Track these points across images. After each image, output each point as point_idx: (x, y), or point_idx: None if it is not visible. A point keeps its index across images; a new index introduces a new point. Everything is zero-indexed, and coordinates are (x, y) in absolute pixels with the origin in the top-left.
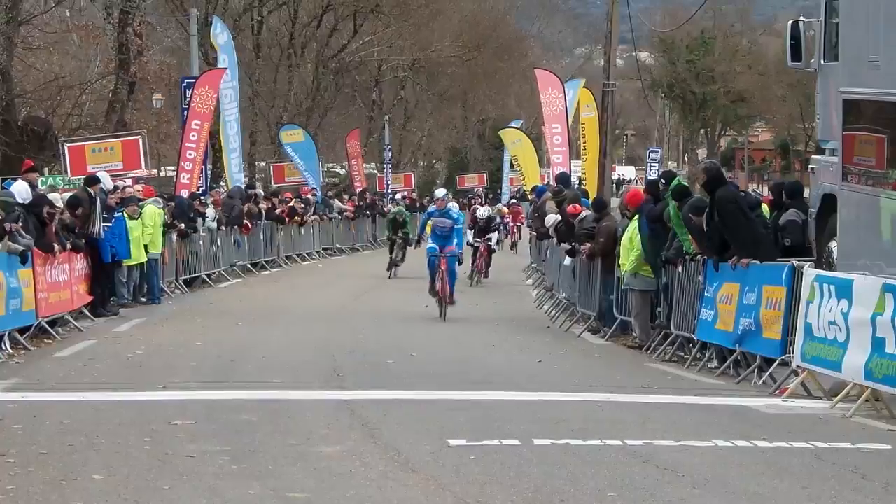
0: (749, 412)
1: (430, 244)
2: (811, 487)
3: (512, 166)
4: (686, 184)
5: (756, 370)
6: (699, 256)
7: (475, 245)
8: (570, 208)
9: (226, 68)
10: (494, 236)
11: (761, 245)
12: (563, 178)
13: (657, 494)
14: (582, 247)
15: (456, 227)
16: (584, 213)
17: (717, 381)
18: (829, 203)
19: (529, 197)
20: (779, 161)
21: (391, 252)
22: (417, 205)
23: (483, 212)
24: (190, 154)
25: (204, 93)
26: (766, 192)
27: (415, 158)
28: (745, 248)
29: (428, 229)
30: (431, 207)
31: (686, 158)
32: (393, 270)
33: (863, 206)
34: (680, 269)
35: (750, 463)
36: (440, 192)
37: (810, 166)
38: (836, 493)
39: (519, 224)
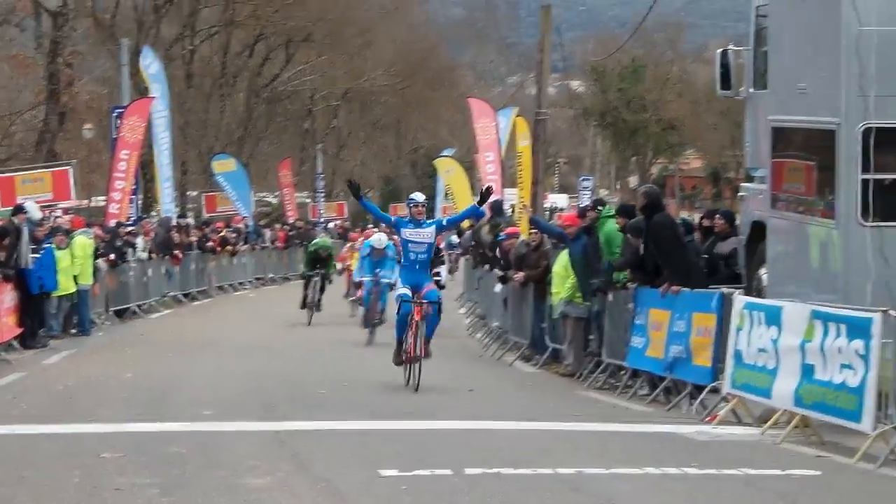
0: (680, 439)
1: (401, 287)
2: None
3: (446, 195)
4: (626, 203)
5: (687, 397)
6: (630, 284)
7: None
8: (507, 230)
9: (154, 97)
10: (444, 270)
11: (693, 272)
12: (497, 206)
13: None
14: (516, 275)
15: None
16: (520, 240)
17: (648, 409)
18: (758, 230)
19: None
20: (710, 188)
21: (306, 289)
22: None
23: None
24: (119, 184)
25: (133, 122)
26: (697, 219)
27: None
28: (678, 274)
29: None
30: (403, 219)
31: (618, 186)
32: (311, 315)
33: (792, 234)
34: (610, 297)
35: (680, 490)
36: (419, 196)
37: (740, 194)
38: None
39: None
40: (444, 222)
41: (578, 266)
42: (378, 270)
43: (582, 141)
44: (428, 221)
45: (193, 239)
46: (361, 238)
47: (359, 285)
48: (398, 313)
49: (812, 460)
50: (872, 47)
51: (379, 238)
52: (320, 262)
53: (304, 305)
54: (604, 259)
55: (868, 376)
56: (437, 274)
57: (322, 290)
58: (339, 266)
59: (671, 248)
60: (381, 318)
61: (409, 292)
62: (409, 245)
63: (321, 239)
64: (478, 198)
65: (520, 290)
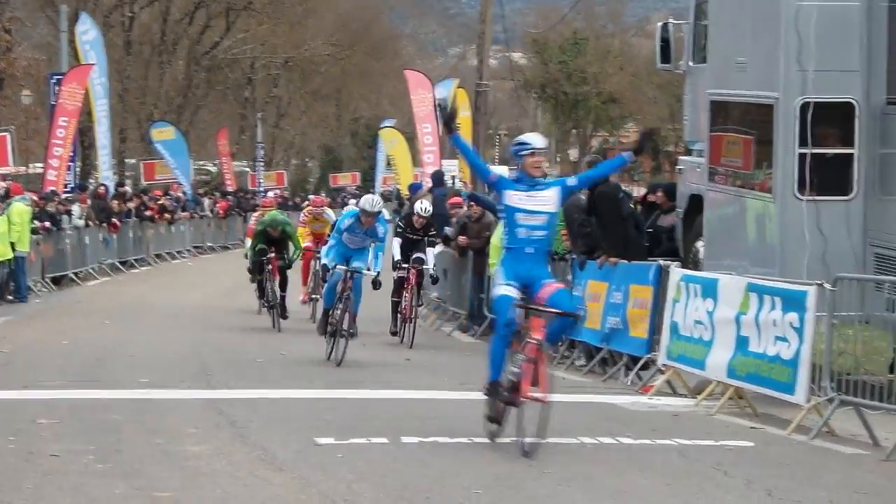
0: (615, 410)
1: (502, 282)
2: (674, 484)
3: (388, 165)
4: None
5: (623, 368)
6: (568, 256)
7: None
8: (451, 200)
9: (93, 64)
10: (430, 256)
11: (631, 245)
12: (437, 177)
13: (523, 491)
14: (459, 238)
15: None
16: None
17: (585, 379)
18: (695, 203)
19: (405, 195)
20: (649, 161)
21: (257, 280)
22: (290, 203)
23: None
24: (57, 151)
25: (72, 89)
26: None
27: (287, 157)
28: (615, 246)
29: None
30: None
31: (558, 158)
32: (276, 319)
33: (729, 207)
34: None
35: (615, 460)
36: (536, 139)
37: (678, 167)
38: (699, 489)
39: None
40: (576, 181)
41: None
42: (350, 257)
43: (523, 113)
44: (548, 181)
45: (133, 207)
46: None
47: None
48: (327, 282)
49: (746, 431)
50: (811, 22)
51: (371, 199)
52: (274, 244)
53: (267, 305)
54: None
55: (802, 349)
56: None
57: (282, 285)
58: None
59: (612, 219)
60: (351, 328)
61: (514, 292)
62: (517, 217)
63: (274, 213)
64: (418, 169)
65: (459, 261)
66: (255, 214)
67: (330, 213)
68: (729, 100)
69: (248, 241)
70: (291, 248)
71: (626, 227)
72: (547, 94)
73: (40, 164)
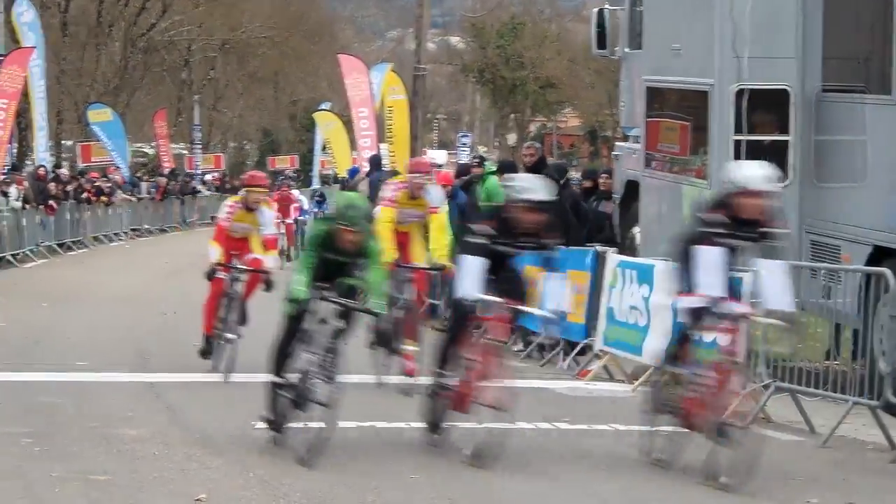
0: (552, 395)
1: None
2: (611, 469)
3: (324, 149)
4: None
5: (560, 353)
6: None
7: None
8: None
9: (34, 47)
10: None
11: (571, 231)
12: (375, 161)
13: (460, 476)
14: None
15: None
16: None
17: (522, 364)
18: (632, 189)
19: (342, 177)
20: (587, 146)
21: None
22: (228, 186)
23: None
24: None
25: (12, 72)
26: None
27: (225, 139)
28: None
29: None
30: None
31: (497, 143)
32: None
33: (665, 193)
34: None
35: (551, 444)
36: None
37: (614, 153)
38: (635, 475)
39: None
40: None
41: (454, 225)
42: None
43: (461, 97)
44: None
45: (70, 190)
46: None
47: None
48: None
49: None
50: (746, 9)
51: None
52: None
53: None
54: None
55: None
56: None
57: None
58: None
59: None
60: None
61: None
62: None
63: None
64: (356, 153)
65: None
66: (231, 204)
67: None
68: (664, 86)
69: (214, 248)
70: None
71: (566, 212)
72: (485, 78)
73: None
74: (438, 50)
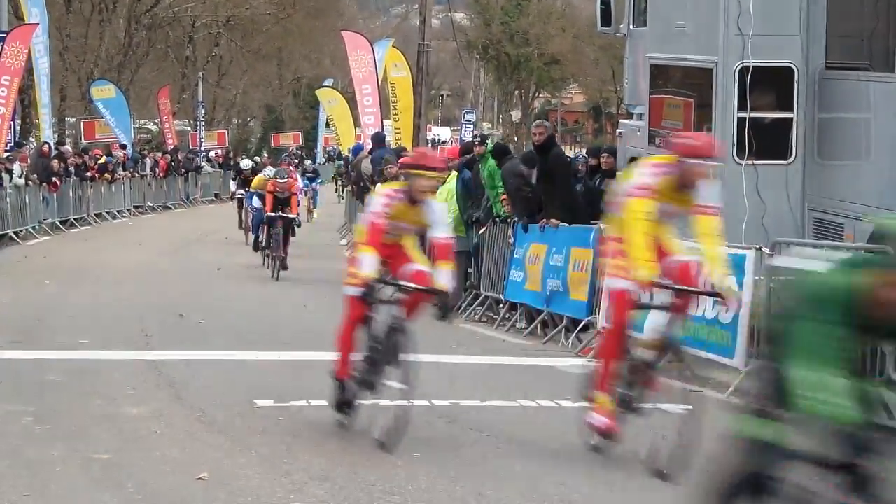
0: (554, 372)
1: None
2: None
3: (328, 125)
4: (500, 142)
5: (563, 331)
6: (510, 218)
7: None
8: (402, 160)
9: (37, 23)
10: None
11: (577, 211)
12: (378, 138)
13: (462, 454)
14: None
15: None
16: None
17: (525, 342)
18: None
19: (346, 155)
20: (591, 123)
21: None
22: (232, 163)
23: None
24: None
25: (15, 48)
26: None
27: (229, 116)
28: (563, 210)
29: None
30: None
31: (500, 119)
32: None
33: None
34: (483, 229)
35: (554, 422)
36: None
37: (618, 130)
38: (637, 452)
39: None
40: None
41: (459, 199)
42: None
43: (465, 74)
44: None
45: (72, 167)
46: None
47: None
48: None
49: (683, 395)
50: None
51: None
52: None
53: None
54: (487, 193)
55: (740, 312)
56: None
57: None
58: None
59: (563, 183)
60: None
61: None
62: None
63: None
64: (359, 129)
65: None
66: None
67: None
68: (669, 63)
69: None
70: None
71: (574, 192)
72: (489, 55)
73: None
74: (442, 26)
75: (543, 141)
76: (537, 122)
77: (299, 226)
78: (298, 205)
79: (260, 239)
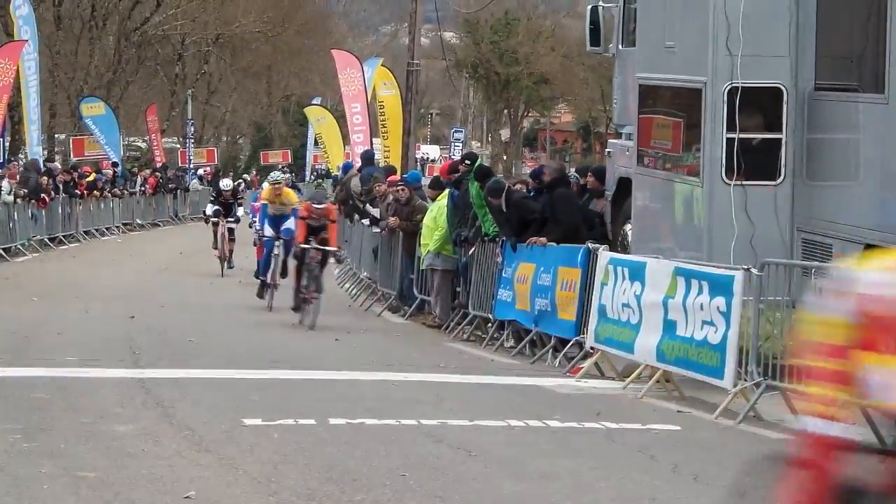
0: (543, 392)
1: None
2: (601, 467)
3: (316, 143)
4: (483, 165)
5: (551, 350)
6: (498, 237)
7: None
8: (389, 178)
9: (26, 40)
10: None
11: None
12: (368, 156)
13: (449, 473)
14: (390, 218)
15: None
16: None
17: (513, 361)
18: (624, 186)
19: (335, 173)
20: (580, 143)
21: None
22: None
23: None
24: None
25: (3, 65)
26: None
27: (218, 133)
28: (564, 236)
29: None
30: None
31: (490, 138)
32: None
33: (657, 190)
34: (472, 249)
35: (542, 442)
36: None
37: (607, 150)
38: (625, 473)
39: None
40: None
41: (449, 217)
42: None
43: (454, 92)
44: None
45: (60, 183)
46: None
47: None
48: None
49: (673, 415)
50: (740, 7)
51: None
52: None
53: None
54: (477, 211)
55: (729, 333)
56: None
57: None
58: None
59: (569, 221)
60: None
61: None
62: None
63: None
64: (348, 148)
65: (389, 241)
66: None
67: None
68: (658, 83)
69: None
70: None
71: (580, 227)
72: (479, 73)
73: None
74: (432, 45)
75: (550, 181)
76: (548, 164)
77: (341, 261)
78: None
79: (268, 277)
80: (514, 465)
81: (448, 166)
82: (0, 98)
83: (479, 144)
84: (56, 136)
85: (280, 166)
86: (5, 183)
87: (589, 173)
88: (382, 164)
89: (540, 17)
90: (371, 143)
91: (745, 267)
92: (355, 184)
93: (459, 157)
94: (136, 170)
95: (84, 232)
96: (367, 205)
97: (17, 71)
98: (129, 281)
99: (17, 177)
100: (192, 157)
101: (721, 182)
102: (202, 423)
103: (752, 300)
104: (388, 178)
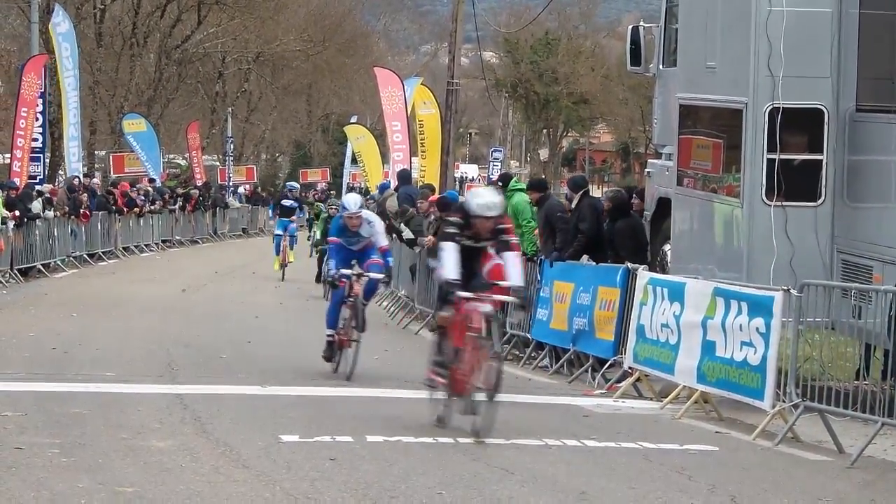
0: (580, 411)
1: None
2: (638, 487)
3: (355, 162)
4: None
5: (589, 370)
6: (536, 256)
7: None
8: (430, 198)
9: (44, 54)
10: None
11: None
12: (405, 176)
13: (486, 492)
14: (426, 238)
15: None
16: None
17: (550, 380)
18: (663, 206)
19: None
20: (619, 163)
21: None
22: (264, 196)
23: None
24: (20, 142)
25: (28, 80)
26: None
27: (257, 151)
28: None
29: None
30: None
31: (528, 158)
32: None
33: (696, 211)
34: None
35: (579, 462)
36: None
37: (647, 170)
38: (663, 493)
39: None
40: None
41: None
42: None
43: (494, 112)
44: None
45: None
46: None
47: None
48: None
49: (711, 436)
50: (782, 27)
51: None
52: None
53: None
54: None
55: (768, 354)
56: None
57: None
58: None
59: (627, 253)
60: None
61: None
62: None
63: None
64: (388, 166)
65: (427, 259)
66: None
67: None
68: (698, 103)
69: None
70: None
71: (644, 256)
72: (518, 93)
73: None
74: (471, 64)
75: (609, 210)
76: (608, 193)
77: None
78: None
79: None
80: (551, 484)
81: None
82: (29, 112)
83: (517, 164)
84: (96, 152)
85: (318, 184)
86: (37, 202)
87: (633, 196)
88: (419, 183)
89: (580, 37)
90: (410, 162)
91: (785, 288)
92: (391, 204)
93: (496, 178)
94: (179, 189)
95: (123, 248)
96: (403, 224)
97: (58, 86)
98: (167, 297)
99: (59, 193)
100: (231, 175)
101: (761, 203)
102: (240, 439)
103: (792, 321)
104: (429, 199)
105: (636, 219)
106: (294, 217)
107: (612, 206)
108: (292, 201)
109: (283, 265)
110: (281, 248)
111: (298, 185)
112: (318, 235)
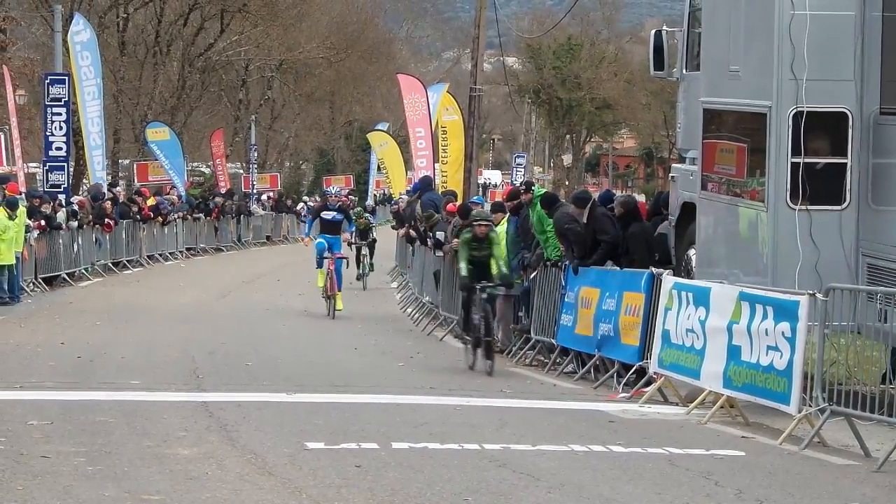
0: (605, 417)
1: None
2: (665, 492)
3: (378, 168)
4: (548, 191)
5: (614, 375)
6: (561, 262)
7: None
8: (449, 207)
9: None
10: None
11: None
12: (426, 182)
13: (512, 498)
14: (452, 242)
15: None
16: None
17: (576, 386)
18: (688, 211)
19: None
20: (643, 168)
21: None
22: (289, 203)
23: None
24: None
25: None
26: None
27: (281, 159)
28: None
29: None
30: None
31: (552, 164)
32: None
33: (721, 215)
34: (533, 274)
35: (605, 467)
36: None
37: (671, 175)
38: (689, 498)
39: None
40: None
41: (510, 244)
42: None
43: (516, 118)
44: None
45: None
46: None
47: None
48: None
49: (737, 441)
50: (805, 31)
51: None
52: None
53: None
54: (537, 238)
55: (794, 358)
56: None
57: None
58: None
59: (641, 257)
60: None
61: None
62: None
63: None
64: (411, 172)
65: (452, 266)
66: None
67: None
68: (722, 108)
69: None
70: None
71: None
72: (541, 99)
73: (34, 164)
74: (494, 70)
75: (621, 216)
76: (618, 198)
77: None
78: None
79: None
80: (577, 489)
81: (509, 192)
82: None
83: (540, 169)
84: (120, 161)
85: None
86: (62, 213)
87: (617, 205)
88: (441, 189)
89: (603, 43)
90: (434, 168)
91: (811, 292)
92: (415, 210)
93: (520, 184)
94: (205, 194)
95: (148, 256)
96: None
97: (76, 95)
98: (192, 305)
99: (85, 202)
100: (255, 183)
101: (786, 207)
102: (265, 446)
103: (817, 325)
104: (447, 207)
105: (647, 224)
106: (343, 235)
107: (624, 212)
108: (335, 213)
109: (328, 297)
110: (327, 272)
111: (341, 189)
112: (368, 263)
